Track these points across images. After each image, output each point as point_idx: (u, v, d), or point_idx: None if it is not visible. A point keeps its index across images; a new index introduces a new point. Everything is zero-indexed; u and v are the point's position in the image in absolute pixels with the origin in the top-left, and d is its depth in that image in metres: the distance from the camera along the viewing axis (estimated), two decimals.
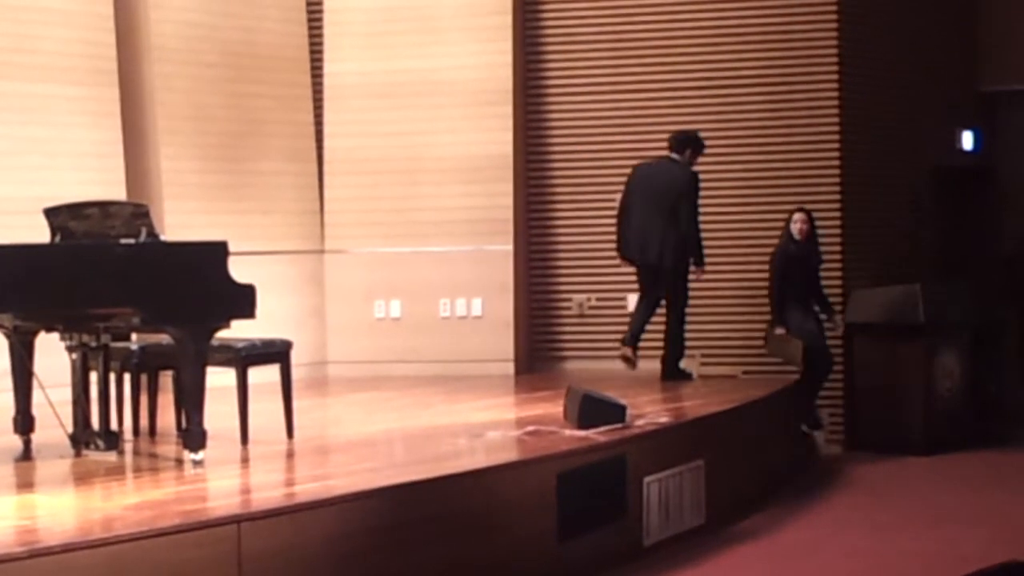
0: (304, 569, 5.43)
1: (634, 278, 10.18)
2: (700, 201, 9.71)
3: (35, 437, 7.07)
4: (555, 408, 7.98)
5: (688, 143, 9.80)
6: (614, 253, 10.42)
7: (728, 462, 7.97)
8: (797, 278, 10.04)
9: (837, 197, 10.53)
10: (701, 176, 9.71)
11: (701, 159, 9.87)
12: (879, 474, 9.55)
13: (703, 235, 9.72)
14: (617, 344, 9.95)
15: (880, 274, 10.65)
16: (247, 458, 6.84)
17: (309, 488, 5.99)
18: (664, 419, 7.62)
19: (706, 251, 9.74)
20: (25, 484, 6.46)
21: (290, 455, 7.04)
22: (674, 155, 9.77)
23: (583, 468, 6.74)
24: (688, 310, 9.80)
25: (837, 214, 10.54)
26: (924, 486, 9.14)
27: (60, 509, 5.65)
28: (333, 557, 5.55)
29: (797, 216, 10.10)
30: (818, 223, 10.31)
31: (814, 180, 10.50)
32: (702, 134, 9.98)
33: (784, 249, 10.09)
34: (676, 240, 9.55)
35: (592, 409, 7.33)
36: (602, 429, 7.17)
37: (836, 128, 10.53)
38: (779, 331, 9.98)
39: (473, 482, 6.25)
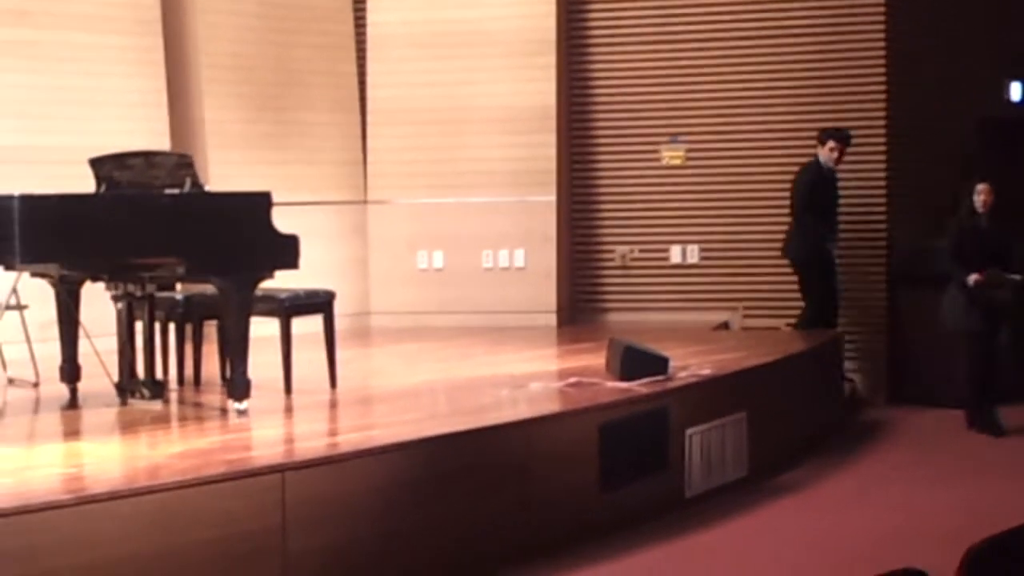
0: (347, 518, 5.48)
1: (677, 229, 10.14)
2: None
3: (81, 386, 7.14)
4: (597, 360, 7.98)
5: (827, 137, 9.98)
6: (657, 204, 10.43)
7: (771, 414, 7.96)
8: (973, 254, 9.10)
9: (883, 148, 10.44)
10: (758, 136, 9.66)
11: (744, 115, 9.81)
12: (922, 427, 9.51)
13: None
14: (660, 296, 9.92)
15: (926, 226, 10.57)
16: (291, 408, 6.89)
17: (352, 438, 6.02)
18: (706, 371, 7.61)
19: (752, 204, 9.69)
20: (72, 432, 6.53)
21: (333, 405, 7.08)
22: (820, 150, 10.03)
23: (625, 420, 6.75)
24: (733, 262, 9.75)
25: (883, 166, 10.45)
26: (966, 439, 9.09)
27: (106, 457, 5.71)
28: (375, 506, 5.58)
29: (981, 187, 9.19)
30: (865, 175, 10.25)
31: (859, 131, 10.38)
32: (747, 84, 9.90)
33: (961, 223, 9.23)
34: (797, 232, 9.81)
35: (634, 361, 7.33)
36: (644, 381, 7.17)
37: (882, 79, 10.43)
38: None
39: (515, 433, 6.27)
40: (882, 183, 10.46)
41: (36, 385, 7.49)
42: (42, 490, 4.97)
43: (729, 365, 7.99)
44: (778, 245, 10.34)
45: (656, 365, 7.35)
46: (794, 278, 10.18)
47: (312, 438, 6.29)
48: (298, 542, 5.31)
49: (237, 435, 6.15)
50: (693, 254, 10.73)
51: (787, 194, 10.18)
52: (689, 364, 7.77)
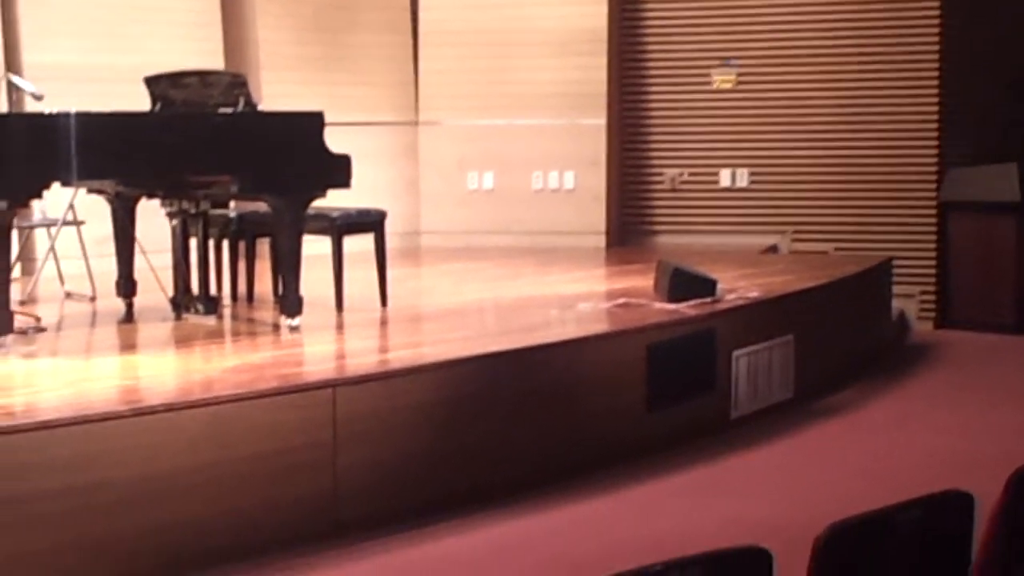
0: (396, 433, 5.57)
1: (726, 153, 10.10)
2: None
3: (137, 301, 7.26)
4: (645, 281, 8.03)
5: None
6: (707, 128, 10.39)
7: (818, 338, 7.99)
8: None
9: (935, 74, 10.36)
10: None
11: (796, 39, 9.71)
12: (970, 352, 9.51)
13: None
14: (709, 219, 9.92)
15: (976, 152, 10.50)
16: (342, 325, 6.97)
17: (402, 355, 6.10)
18: (754, 294, 7.63)
19: (802, 128, 9.60)
20: (128, 346, 6.64)
21: (383, 323, 7.16)
22: None
23: (672, 341, 6.80)
24: (782, 186, 9.71)
25: (935, 91, 10.37)
26: (1015, 364, 9.09)
27: (161, 370, 5.81)
28: (424, 423, 5.67)
29: None
30: (916, 97, 10.18)
31: (912, 56, 10.32)
32: (799, 7, 9.81)
33: None
34: None
35: (682, 283, 7.37)
36: (692, 303, 7.20)
37: (936, 4, 10.32)
38: None
39: (563, 353, 6.33)
40: (934, 109, 10.38)
41: (93, 299, 7.61)
42: (99, 401, 5.07)
43: (777, 288, 8.00)
44: (828, 169, 10.30)
45: (704, 287, 7.38)
46: (842, 202, 10.16)
47: (363, 355, 6.38)
48: (348, 457, 5.40)
49: (289, 351, 6.25)
50: (742, 178, 10.71)
51: (838, 116, 10.13)
52: (737, 287, 7.80)
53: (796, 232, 10.59)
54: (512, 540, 5.40)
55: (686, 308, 7.13)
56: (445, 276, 9.24)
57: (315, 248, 7.17)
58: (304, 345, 6.36)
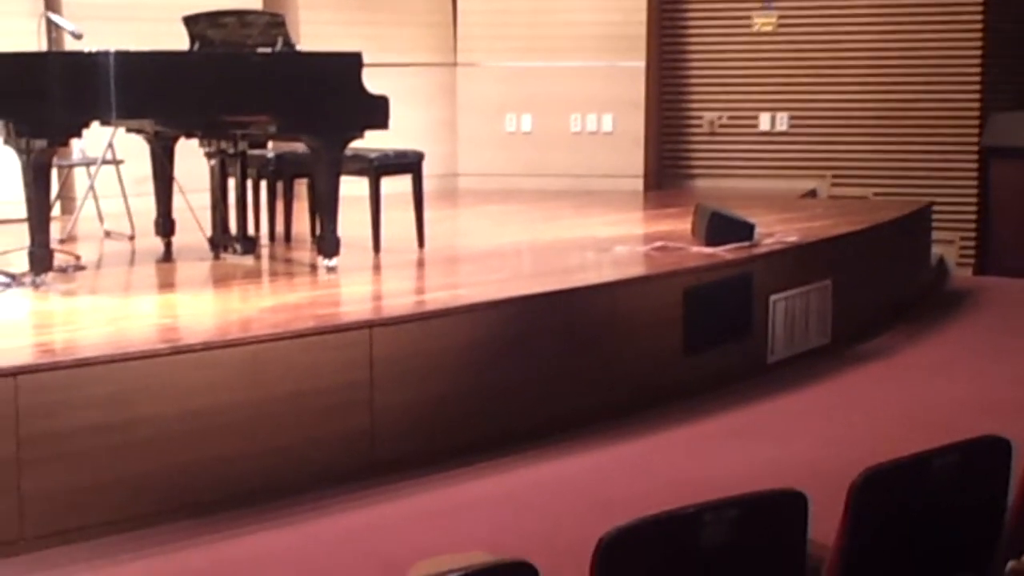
0: (432, 374, 5.58)
1: (766, 97, 10.01)
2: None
3: (175, 240, 7.28)
4: (683, 225, 8.00)
5: None
6: (746, 71, 10.30)
7: (856, 283, 7.95)
8: None
9: (979, 17, 10.23)
10: None
11: None
12: (1009, 298, 9.45)
13: None
14: (748, 163, 9.86)
15: (1019, 97, 10.38)
16: (379, 266, 6.98)
17: (439, 296, 6.11)
18: (792, 238, 7.59)
19: (842, 72, 9.51)
20: (166, 285, 6.68)
21: (420, 264, 7.17)
22: None
23: (710, 285, 6.78)
24: (822, 130, 9.64)
25: (978, 34, 10.24)
26: None
27: (199, 309, 5.84)
28: (460, 364, 5.68)
29: None
30: (958, 43, 10.06)
31: None
32: None
33: None
34: None
35: (720, 226, 7.34)
36: (730, 247, 7.18)
37: None
38: None
39: (600, 295, 6.32)
40: (977, 53, 10.27)
41: (132, 238, 7.64)
42: (138, 339, 5.10)
43: (815, 233, 7.96)
44: (868, 113, 10.22)
45: (742, 231, 7.35)
46: (883, 147, 10.08)
47: (399, 296, 6.39)
48: (385, 397, 5.43)
49: (326, 291, 6.26)
50: (782, 122, 10.64)
51: (879, 60, 10.02)
52: (775, 231, 7.76)
53: (835, 176, 10.52)
54: (546, 482, 5.41)
55: (724, 252, 7.10)
56: (482, 218, 9.23)
57: (352, 189, 7.17)
58: (341, 286, 6.38)
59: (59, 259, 6.37)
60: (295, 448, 5.18)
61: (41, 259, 6.08)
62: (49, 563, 4.48)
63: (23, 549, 4.53)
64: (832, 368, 7.29)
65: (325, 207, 6.62)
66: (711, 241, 7.24)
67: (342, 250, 6.62)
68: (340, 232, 6.59)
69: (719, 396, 6.59)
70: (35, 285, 6.02)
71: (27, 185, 6.07)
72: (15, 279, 6.06)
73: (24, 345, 5.12)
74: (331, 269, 6.55)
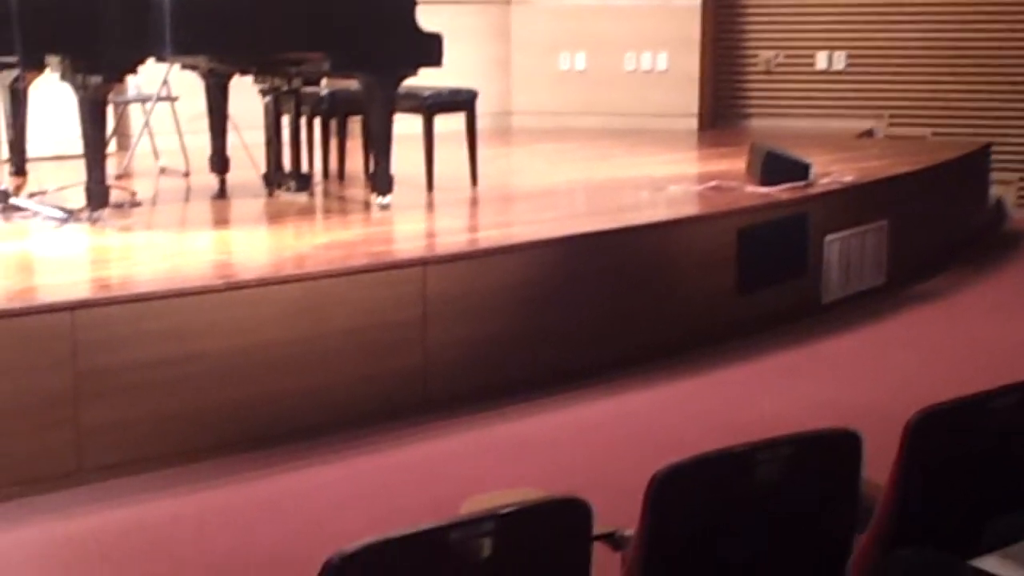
0: (485, 312, 5.59)
1: (823, 35, 9.86)
2: None
3: (230, 177, 7.31)
4: (738, 164, 7.95)
5: None
6: (803, 9, 10.18)
7: (912, 223, 7.88)
8: None
9: None
10: None
11: None
12: None
13: None
14: (804, 102, 9.76)
15: None
16: (432, 204, 6.98)
17: (492, 235, 6.10)
18: (848, 178, 7.53)
19: (901, 10, 9.36)
20: (221, 221, 6.71)
21: (474, 202, 7.16)
22: None
23: (764, 224, 6.73)
24: (879, 69, 9.52)
25: None
26: None
27: (254, 246, 5.86)
28: (513, 302, 5.68)
29: None
30: None
31: None
32: None
33: None
34: None
35: (775, 166, 7.28)
36: (785, 186, 7.12)
37: None
38: None
39: (653, 235, 6.30)
40: None
41: (187, 175, 7.68)
42: (193, 275, 5.13)
43: (872, 173, 7.88)
44: (927, 52, 10.08)
45: (797, 170, 7.29)
46: (942, 86, 9.94)
47: (452, 233, 6.40)
48: (437, 335, 5.44)
49: (380, 228, 6.27)
50: (839, 60, 10.51)
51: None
52: (831, 171, 7.69)
53: (893, 116, 10.40)
54: (599, 421, 5.42)
55: (779, 192, 7.05)
56: (535, 157, 9.20)
57: (406, 127, 7.16)
58: (394, 223, 6.38)
59: (115, 195, 6.40)
60: (349, 385, 5.21)
61: (97, 195, 6.12)
62: (106, 495, 4.54)
63: (81, 481, 4.59)
64: (887, 308, 7.24)
65: (378, 145, 6.61)
66: (766, 181, 7.19)
67: (395, 188, 6.62)
68: (393, 170, 6.59)
69: (772, 336, 6.56)
70: (91, 221, 6.06)
71: (83, 121, 6.09)
72: (72, 215, 6.10)
73: (81, 280, 5.16)
74: (384, 207, 6.56)
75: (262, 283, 5.05)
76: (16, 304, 4.64)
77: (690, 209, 6.79)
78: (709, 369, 6.07)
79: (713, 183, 7.32)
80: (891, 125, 10.37)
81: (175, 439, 4.81)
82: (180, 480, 4.68)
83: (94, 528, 4.31)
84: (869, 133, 10.35)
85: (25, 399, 4.51)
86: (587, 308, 5.94)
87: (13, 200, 6.24)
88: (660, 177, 7.72)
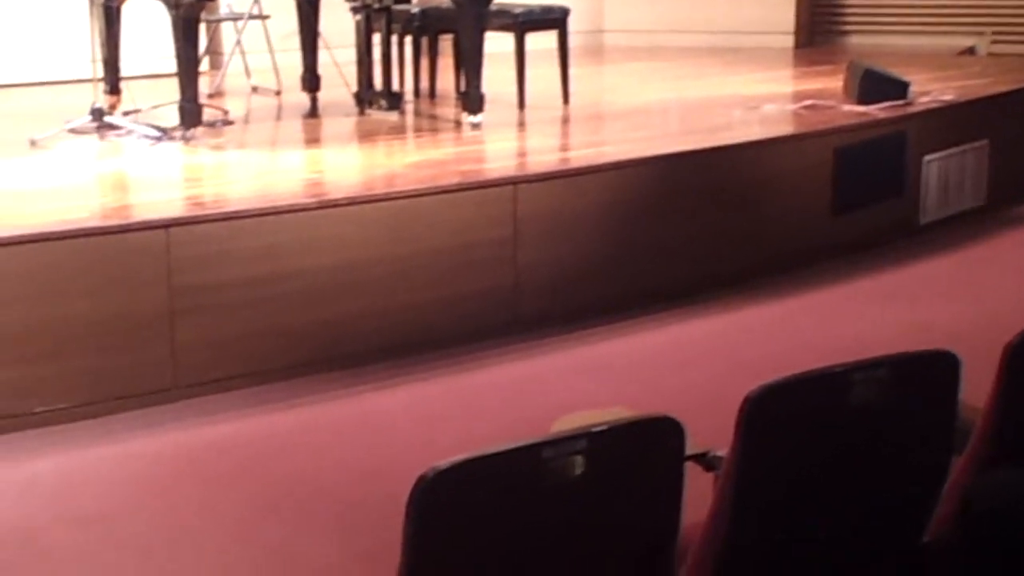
0: (576, 231, 5.55)
1: None
2: None
3: (321, 95, 7.31)
4: (834, 83, 7.80)
5: None
6: None
7: (1014, 144, 7.70)
8: None
9: None
10: None
11: None
12: None
13: None
14: (903, 19, 9.57)
15: None
16: (523, 122, 6.94)
17: (584, 154, 6.06)
18: (948, 97, 7.37)
19: None
20: (312, 140, 6.73)
21: (565, 121, 7.11)
22: None
23: (861, 144, 6.62)
24: None
25: None
26: None
27: (345, 164, 5.87)
28: (604, 221, 5.64)
29: None
30: None
31: None
32: None
33: None
34: None
35: (873, 84, 7.15)
36: (883, 105, 6.99)
37: None
38: None
39: (748, 154, 6.22)
40: None
41: (278, 94, 7.69)
42: (285, 194, 5.15)
43: (972, 91, 7.71)
44: None
45: (896, 89, 7.15)
46: None
47: (544, 152, 6.36)
48: (528, 254, 5.42)
49: (471, 147, 6.25)
50: None
51: None
52: (930, 89, 7.53)
53: (995, 34, 10.15)
54: (691, 341, 5.39)
55: (876, 110, 6.93)
56: (628, 75, 9.10)
57: (497, 45, 7.11)
58: (485, 142, 6.36)
59: (208, 114, 6.43)
60: (439, 304, 5.21)
61: (191, 114, 6.15)
62: (200, 411, 4.60)
63: (176, 397, 4.64)
64: (987, 230, 7.12)
65: (469, 63, 6.57)
66: (863, 99, 7.06)
67: (486, 106, 6.58)
68: (484, 88, 6.55)
69: (868, 257, 6.48)
70: (185, 139, 6.09)
71: (176, 40, 6.11)
72: (166, 133, 6.14)
73: (175, 198, 5.21)
74: (475, 125, 6.53)
75: (353, 202, 5.05)
76: (112, 222, 4.68)
77: (785, 128, 6.69)
78: (803, 290, 6.01)
79: (809, 102, 7.20)
80: (993, 43, 10.13)
81: (267, 357, 4.84)
82: (272, 397, 4.73)
83: (187, 444, 4.37)
84: (970, 51, 10.12)
85: (122, 316, 4.56)
86: (679, 228, 5.89)
87: (108, 119, 6.29)
88: (754, 96, 7.60)
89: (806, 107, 7.11)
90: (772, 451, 2.31)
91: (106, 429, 4.44)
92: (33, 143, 6.01)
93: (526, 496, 2.07)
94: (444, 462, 1.96)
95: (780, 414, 2.30)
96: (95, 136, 6.19)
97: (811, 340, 5.34)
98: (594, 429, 2.11)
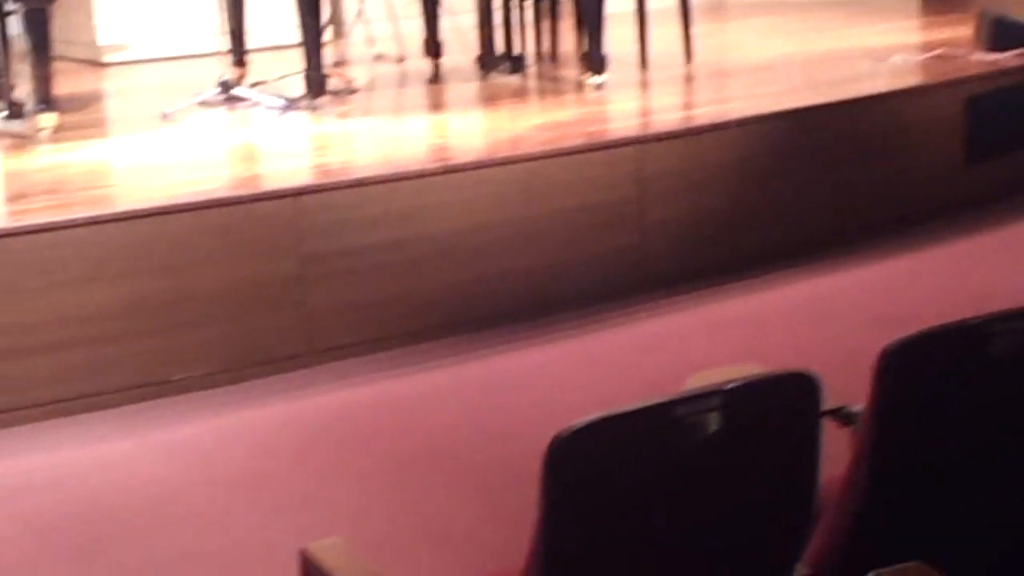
0: (701, 190, 5.53)
1: None
2: None
3: (443, 61, 7.33)
4: (963, 32, 7.64)
5: None
6: None
7: None
8: None
9: None
10: None
11: None
12: None
13: None
14: None
15: None
16: (646, 82, 6.90)
17: (707, 111, 6.02)
18: None
19: None
20: (436, 105, 6.76)
21: (688, 79, 7.05)
22: None
23: (993, 93, 6.49)
24: None
25: None
26: None
27: (469, 129, 5.89)
28: (730, 179, 5.61)
29: None
30: None
31: None
32: None
33: None
34: None
35: (1004, 32, 7.00)
36: (1014, 53, 6.84)
37: None
38: None
39: (876, 106, 6.13)
40: None
41: (401, 61, 7.72)
42: (410, 160, 5.19)
43: None
44: None
45: None
46: None
47: (667, 111, 6.32)
48: (654, 213, 5.41)
49: (594, 108, 6.23)
50: None
51: None
52: None
53: None
54: (820, 296, 5.34)
55: (1008, 58, 6.78)
56: (750, 31, 8.98)
57: (618, 5, 7.06)
58: (608, 102, 6.33)
59: (333, 82, 6.49)
60: (566, 265, 5.22)
61: (316, 82, 6.21)
62: (333, 375, 4.66)
63: (309, 362, 4.71)
64: None
65: (591, 23, 6.54)
66: (994, 48, 6.91)
67: (609, 67, 6.55)
68: (606, 49, 6.52)
69: (1002, 208, 6.34)
70: (311, 109, 6.16)
71: (300, 11, 6.17)
72: (292, 103, 6.21)
73: (303, 167, 5.27)
74: (598, 86, 6.50)
75: (478, 166, 5.08)
76: (242, 192, 4.76)
77: (913, 79, 6.58)
78: (936, 242, 5.91)
79: (937, 52, 7.06)
80: None
81: (398, 321, 4.89)
82: (403, 361, 4.78)
83: (322, 408, 4.43)
84: None
85: (255, 284, 4.64)
86: (806, 184, 5.82)
87: (235, 91, 6.37)
88: (880, 47, 7.46)
89: (935, 57, 6.98)
90: (911, 405, 2.28)
91: (243, 394, 4.53)
92: (164, 117, 6.11)
93: (661, 454, 2.07)
94: (579, 421, 1.97)
95: (918, 367, 2.28)
96: (223, 108, 6.28)
97: (946, 292, 5.26)
98: (728, 386, 2.10)
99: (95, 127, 6.14)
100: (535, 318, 5.07)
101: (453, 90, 6.97)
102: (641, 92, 6.72)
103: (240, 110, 6.27)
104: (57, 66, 5.99)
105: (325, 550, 2.31)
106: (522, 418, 4.24)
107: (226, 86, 6.34)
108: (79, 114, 6.26)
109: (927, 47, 7.37)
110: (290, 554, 2.39)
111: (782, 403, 2.17)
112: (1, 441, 4.22)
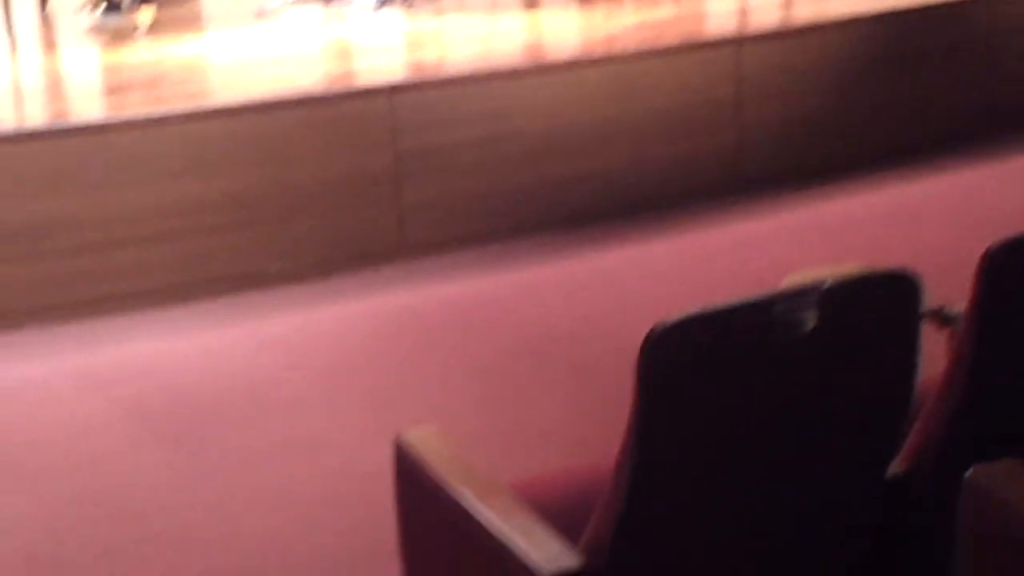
0: (799, 90, 5.46)
1: None
2: None
3: None
4: None
5: None
6: None
7: None
8: None
9: None
10: None
11: None
12: None
13: None
14: None
15: None
16: None
17: (806, 12, 5.90)
18: None
19: None
20: (531, 3, 6.68)
21: None
22: None
23: None
24: None
25: None
26: None
27: (565, 28, 5.83)
28: (829, 80, 5.52)
29: None
30: None
31: None
32: None
33: None
34: None
35: None
36: None
37: None
38: None
39: (981, 7, 5.98)
40: None
41: None
42: (505, 58, 5.16)
43: None
44: None
45: None
46: None
47: (767, 11, 6.20)
48: (751, 113, 5.35)
49: (691, 7, 6.14)
50: None
51: None
52: None
53: None
54: (922, 198, 5.27)
55: None
56: None
57: None
58: (706, 1, 6.24)
59: None
60: (661, 164, 5.19)
61: None
62: (426, 269, 4.69)
63: (403, 257, 4.74)
64: None
65: None
66: None
67: None
68: None
69: None
70: (406, 5, 6.13)
71: None
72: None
73: (398, 63, 5.25)
74: None
75: (573, 64, 5.04)
76: (337, 88, 4.76)
77: None
78: None
79: None
80: None
81: (490, 217, 4.90)
82: (497, 257, 4.79)
83: (415, 303, 4.46)
84: None
85: (350, 179, 4.66)
86: (907, 87, 5.72)
87: None
88: None
89: None
90: (1013, 306, 2.25)
91: (336, 288, 4.56)
92: (260, 13, 6.12)
93: (756, 351, 2.05)
94: (674, 317, 1.96)
95: (1021, 269, 2.24)
96: (319, 4, 6.26)
97: None
98: (827, 284, 2.08)
99: (191, 23, 6.17)
100: (630, 216, 5.05)
101: None
102: None
103: (335, 6, 6.25)
104: None
105: (418, 438, 2.33)
106: (618, 313, 4.24)
107: None
108: (176, 9, 6.28)
109: None
110: (384, 442, 2.42)
111: (881, 302, 2.14)
112: (99, 330, 4.30)
